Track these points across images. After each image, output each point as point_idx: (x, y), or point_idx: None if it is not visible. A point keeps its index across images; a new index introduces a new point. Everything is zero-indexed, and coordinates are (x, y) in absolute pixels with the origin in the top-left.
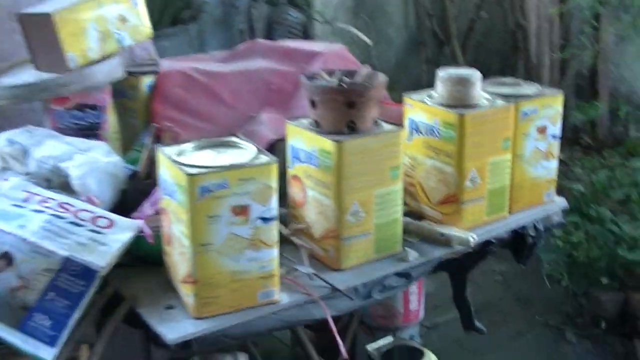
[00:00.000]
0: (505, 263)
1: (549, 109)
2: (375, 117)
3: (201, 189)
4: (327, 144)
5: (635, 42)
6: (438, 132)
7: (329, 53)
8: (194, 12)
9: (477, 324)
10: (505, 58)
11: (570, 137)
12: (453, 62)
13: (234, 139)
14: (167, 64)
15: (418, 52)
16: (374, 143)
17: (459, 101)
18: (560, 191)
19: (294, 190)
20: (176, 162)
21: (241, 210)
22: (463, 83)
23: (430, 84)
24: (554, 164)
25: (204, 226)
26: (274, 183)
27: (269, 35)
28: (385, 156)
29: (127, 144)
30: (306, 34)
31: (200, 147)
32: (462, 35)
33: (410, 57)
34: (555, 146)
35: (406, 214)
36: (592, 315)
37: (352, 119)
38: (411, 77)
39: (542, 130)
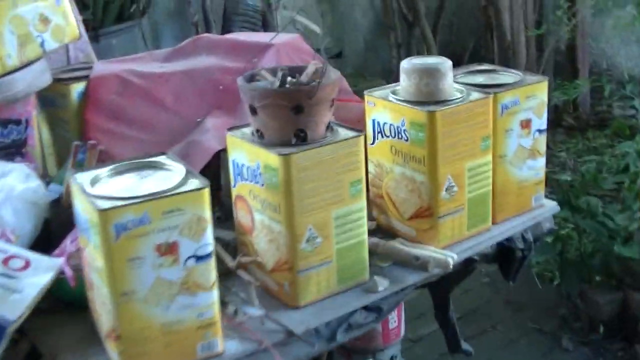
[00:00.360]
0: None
1: (532, 99)
2: (329, 122)
3: (117, 227)
4: (271, 158)
5: (613, 14)
6: (405, 134)
7: (281, 44)
8: (143, 6)
9: (464, 345)
10: (479, 37)
11: (552, 119)
12: (424, 44)
13: (160, 158)
14: (100, 67)
15: (387, 35)
16: (328, 154)
17: (428, 96)
18: (546, 180)
19: (240, 214)
20: (87, 193)
21: (168, 249)
22: (431, 75)
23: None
24: (541, 163)
25: (124, 271)
26: (207, 212)
27: (226, 26)
28: (343, 169)
29: (62, 160)
30: (266, 24)
31: (120, 171)
32: (432, 15)
33: (380, 41)
34: (542, 142)
35: (374, 231)
36: (589, 318)
37: (300, 126)
38: (382, 62)
39: (526, 124)
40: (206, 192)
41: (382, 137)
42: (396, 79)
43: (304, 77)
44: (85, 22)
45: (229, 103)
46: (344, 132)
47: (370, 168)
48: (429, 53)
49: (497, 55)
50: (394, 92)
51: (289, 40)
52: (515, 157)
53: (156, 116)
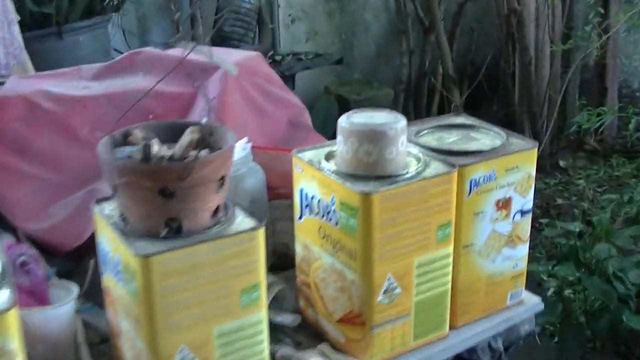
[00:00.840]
0: None
1: (514, 172)
2: (217, 204)
3: None
4: (130, 256)
5: None
6: (335, 217)
7: (235, 65)
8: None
9: None
10: (500, 47)
11: (574, 141)
12: (439, 52)
13: None
14: (9, 86)
15: (400, 40)
16: (211, 254)
17: (369, 168)
18: (559, 211)
19: (109, 311)
20: None
21: None
22: (374, 140)
23: (411, 79)
24: (522, 251)
25: None
26: None
27: (218, 24)
28: (232, 273)
29: None
30: (261, 22)
31: None
32: (449, 21)
33: (392, 46)
34: (525, 225)
35: (299, 327)
36: None
37: (172, 214)
38: (393, 70)
39: (503, 204)
40: None
41: (310, 213)
42: (406, 90)
43: (177, 150)
44: (48, 16)
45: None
46: (240, 220)
47: (297, 248)
48: (444, 62)
49: (518, 69)
50: (329, 156)
51: (244, 60)
52: (487, 247)
53: (67, 150)
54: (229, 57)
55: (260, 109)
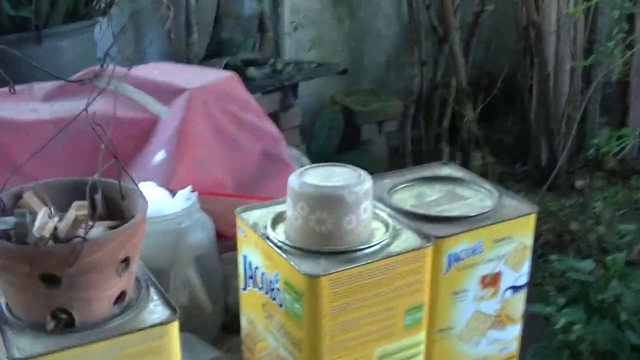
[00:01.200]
0: None
1: (506, 243)
2: (122, 289)
3: None
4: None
5: None
6: (279, 298)
7: (202, 88)
8: (105, 3)
9: None
10: (518, 60)
11: (592, 160)
12: (453, 63)
13: None
14: None
15: (412, 50)
16: (111, 354)
17: (322, 240)
18: (573, 237)
19: None
20: None
21: None
22: (329, 206)
23: (422, 91)
24: (513, 333)
25: None
26: None
27: (216, 31)
28: None
29: None
30: (263, 29)
31: None
32: (465, 31)
33: (404, 56)
34: (517, 303)
35: None
36: None
37: (59, 304)
38: (404, 80)
39: (491, 281)
40: None
41: (254, 286)
42: (416, 102)
43: (62, 228)
44: (27, 20)
45: (108, 171)
46: (152, 307)
47: (243, 322)
48: (457, 73)
49: (536, 83)
50: (278, 220)
51: (215, 82)
52: (469, 330)
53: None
54: (200, 77)
55: (230, 140)
